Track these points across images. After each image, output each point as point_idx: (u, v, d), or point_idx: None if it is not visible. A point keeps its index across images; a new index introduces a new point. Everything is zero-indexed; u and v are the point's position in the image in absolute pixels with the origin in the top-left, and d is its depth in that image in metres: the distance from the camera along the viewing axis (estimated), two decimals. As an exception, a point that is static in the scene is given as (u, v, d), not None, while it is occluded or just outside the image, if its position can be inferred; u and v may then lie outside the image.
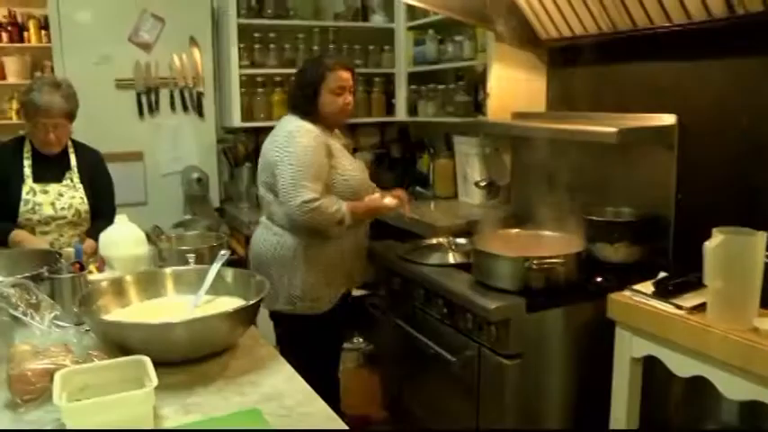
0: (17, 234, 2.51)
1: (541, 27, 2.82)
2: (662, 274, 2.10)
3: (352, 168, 2.50)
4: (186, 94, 3.78)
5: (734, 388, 1.75)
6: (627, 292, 2.08)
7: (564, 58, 2.95)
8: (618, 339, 2.09)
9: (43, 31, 5.35)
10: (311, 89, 2.43)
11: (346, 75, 2.44)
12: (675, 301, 1.94)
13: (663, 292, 1.99)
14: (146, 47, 3.69)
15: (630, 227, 2.41)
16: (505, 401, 2.13)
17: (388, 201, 2.56)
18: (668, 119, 2.35)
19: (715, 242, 1.77)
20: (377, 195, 2.57)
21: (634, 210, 2.48)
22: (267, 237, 2.53)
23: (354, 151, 2.82)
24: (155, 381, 1.25)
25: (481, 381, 2.22)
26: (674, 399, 2.21)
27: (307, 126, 2.41)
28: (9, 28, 5.40)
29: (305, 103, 2.44)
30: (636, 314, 2.01)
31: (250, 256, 2.66)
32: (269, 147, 2.47)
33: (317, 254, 2.46)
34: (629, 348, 2.06)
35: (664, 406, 2.23)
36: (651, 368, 2.07)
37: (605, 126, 2.27)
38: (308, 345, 2.47)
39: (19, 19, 5.43)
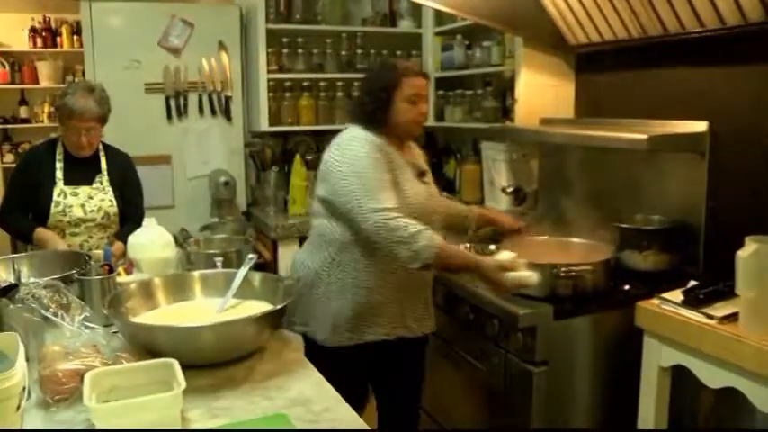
0: (41, 233, 2.56)
1: (570, 32, 2.80)
2: (692, 283, 2.07)
3: (409, 189, 2.11)
4: (214, 99, 3.81)
5: (767, 400, 1.72)
6: (655, 301, 2.05)
7: (592, 64, 2.93)
8: (646, 348, 2.07)
9: (75, 37, 5.48)
10: (384, 95, 2.12)
11: (422, 82, 2.17)
12: (706, 310, 1.91)
13: (693, 301, 1.96)
14: (175, 51, 3.73)
15: (660, 234, 2.37)
16: (532, 409, 2.11)
17: (519, 276, 1.91)
18: (699, 126, 2.32)
19: (748, 251, 1.74)
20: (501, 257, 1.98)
21: (664, 217, 2.45)
22: (305, 253, 2.25)
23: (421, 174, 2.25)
24: (183, 384, 1.26)
25: (507, 388, 2.21)
26: (704, 410, 2.18)
27: (369, 136, 2.09)
28: (43, 33, 5.53)
29: (374, 111, 2.12)
30: (664, 323, 1.98)
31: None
32: (327, 158, 2.13)
33: (347, 276, 2.10)
34: (657, 357, 2.03)
35: (693, 417, 2.20)
36: (680, 378, 2.04)
37: (635, 133, 2.24)
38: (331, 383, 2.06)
39: (53, 25, 5.55)
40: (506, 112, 3.26)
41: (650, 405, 2.07)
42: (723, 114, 2.28)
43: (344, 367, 2.02)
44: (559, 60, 3.02)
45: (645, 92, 2.63)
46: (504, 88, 3.31)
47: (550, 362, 2.10)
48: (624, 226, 2.42)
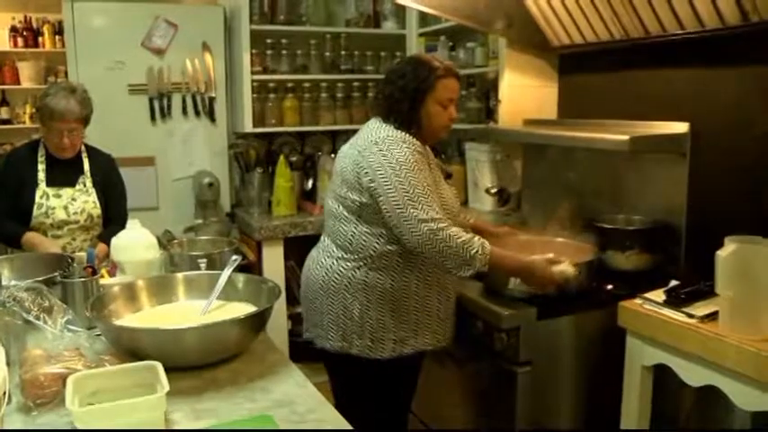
0: (31, 236, 2.53)
1: (553, 34, 2.82)
2: (673, 283, 2.10)
3: (444, 192, 2.05)
4: (198, 100, 3.79)
5: (746, 398, 1.74)
6: (638, 300, 2.07)
7: (575, 65, 2.95)
8: (629, 347, 2.09)
9: (57, 37, 5.43)
10: (418, 96, 2.00)
11: (456, 84, 2.06)
12: (687, 309, 1.93)
13: (674, 301, 1.98)
14: (159, 52, 3.71)
15: (642, 235, 2.40)
16: (516, 409, 2.12)
17: (564, 269, 1.98)
18: (681, 127, 2.34)
19: (727, 251, 1.76)
20: (547, 257, 1.98)
21: (645, 218, 2.48)
22: (321, 259, 2.10)
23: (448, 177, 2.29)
24: (166, 386, 1.26)
25: (492, 388, 2.22)
26: (685, 408, 2.20)
27: (406, 137, 1.98)
28: (24, 33, 5.48)
29: (407, 111, 2.00)
30: (647, 322, 2.00)
31: (301, 283, 2.23)
32: (361, 158, 1.97)
33: (385, 284, 2.00)
34: (639, 357, 2.05)
35: (674, 415, 2.22)
36: (662, 377, 2.06)
37: (617, 133, 2.27)
38: (367, 398, 2.07)
39: (34, 24, 5.50)
40: (490, 112, 3.28)
41: (633, 404, 2.09)
42: (704, 115, 2.31)
43: (387, 380, 2.05)
44: (543, 61, 3.04)
45: (627, 93, 2.65)
46: (487, 89, 3.33)
47: (534, 362, 2.11)
48: (607, 226, 2.44)
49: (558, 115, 3.06)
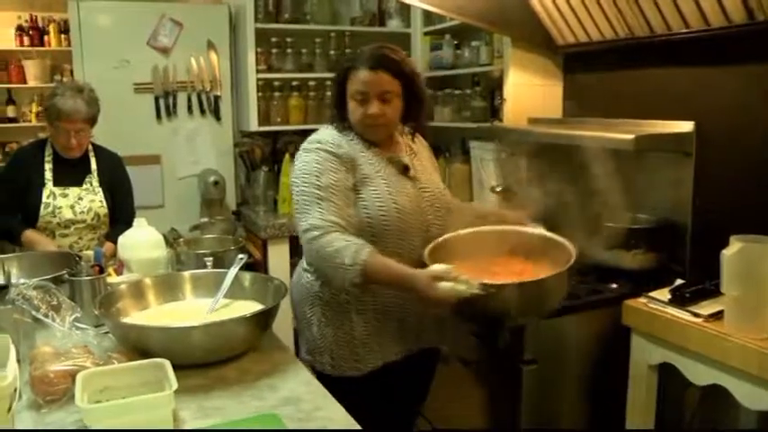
0: (29, 235, 2.55)
1: (558, 33, 2.82)
2: (678, 282, 2.10)
3: (378, 197, 1.81)
4: (204, 98, 3.81)
5: (751, 397, 1.75)
6: (643, 299, 2.08)
7: (580, 64, 2.95)
8: (634, 346, 2.10)
9: (63, 35, 5.44)
10: (338, 91, 1.87)
11: (369, 76, 1.79)
12: (692, 308, 1.94)
13: (679, 300, 1.99)
14: (164, 51, 3.72)
15: (647, 234, 2.40)
16: (520, 407, 2.13)
17: (454, 287, 1.57)
18: (686, 125, 2.34)
19: (732, 250, 1.76)
20: (437, 268, 1.63)
21: (651, 216, 2.48)
22: (298, 267, 2.00)
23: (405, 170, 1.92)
24: (175, 384, 1.27)
25: (496, 387, 2.22)
26: (691, 407, 2.21)
27: (328, 134, 1.87)
28: (30, 32, 5.49)
29: (334, 108, 1.91)
30: (652, 321, 2.01)
31: None
32: None
33: (340, 298, 1.84)
34: (644, 355, 2.06)
35: (680, 414, 2.22)
36: (667, 376, 2.06)
37: (622, 132, 2.27)
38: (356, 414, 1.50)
39: (40, 23, 5.52)
40: (495, 111, 3.28)
41: (638, 403, 2.10)
42: (709, 114, 2.31)
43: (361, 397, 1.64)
44: (547, 60, 3.04)
45: (632, 92, 2.65)
46: (492, 88, 3.32)
47: (539, 360, 2.12)
48: (612, 225, 2.44)
49: (563, 114, 3.06)
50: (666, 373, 2.05)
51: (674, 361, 1.97)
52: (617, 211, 2.53)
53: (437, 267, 1.62)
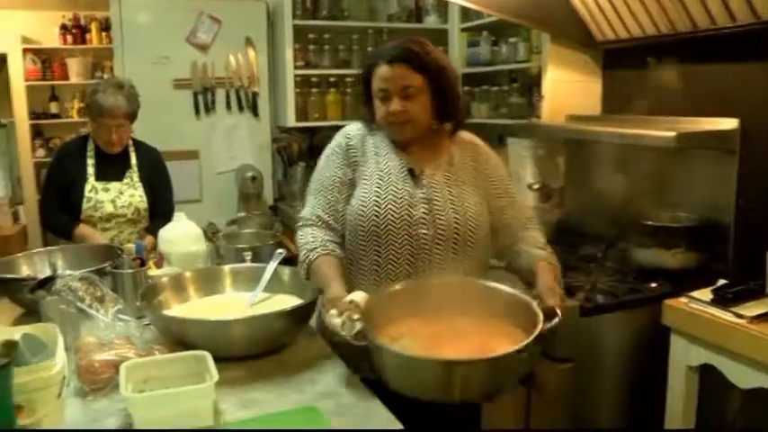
0: (82, 229, 2.60)
1: (597, 28, 2.78)
2: (721, 282, 2.05)
3: (362, 199, 1.69)
4: (242, 94, 3.85)
5: (797, 400, 1.71)
6: (683, 299, 2.04)
7: (620, 60, 2.91)
8: (673, 347, 2.06)
9: (104, 33, 5.55)
10: (364, 90, 1.78)
11: (389, 72, 1.66)
12: (735, 309, 1.90)
13: (722, 300, 1.95)
14: (203, 48, 3.77)
15: (688, 232, 2.36)
16: (557, 406, 2.11)
17: (332, 319, 1.44)
18: (730, 123, 2.29)
19: (778, 250, 1.72)
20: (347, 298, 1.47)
21: (692, 215, 2.43)
22: None
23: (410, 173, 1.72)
24: (216, 376, 1.29)
25: (532, 384, 2.21)
26: (733, 410, 2.16)
27: (350, 129, 1.84)
28: (73, 30, 5.60)
29: (364, 105, 1.81)
30: (693, 321, 1.97)
31: None
32: None
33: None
34: (684, 356, 2.02)
35: (721, 418, 2.18)
36: (708, 378, 2.03)
37: (663, 130, 2.23)
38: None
39: (82, 21, 5.63)
40: (533, 108, 3.25)
41: (678, 404, 2.07)
42: (755, 111, 2.25)
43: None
44: (586, 56, 3.00)
45: (673, 88, 2.60)
46: (530, 84, 3.30)
47: (576, 359, 2.10)
48: (651, 223, 2.41)
49: (602, 111, 3.02)
50: (707, 374, 2.01)
51: (715, 362, 1.93)
52: (657, 209, 2.50)
53: (353, 295, 1.47)
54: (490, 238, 1.76)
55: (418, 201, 1.68)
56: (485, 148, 1.83)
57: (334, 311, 1.44)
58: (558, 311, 1.42)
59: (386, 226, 1.66)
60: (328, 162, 1.78)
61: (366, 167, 1.74)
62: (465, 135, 1.82)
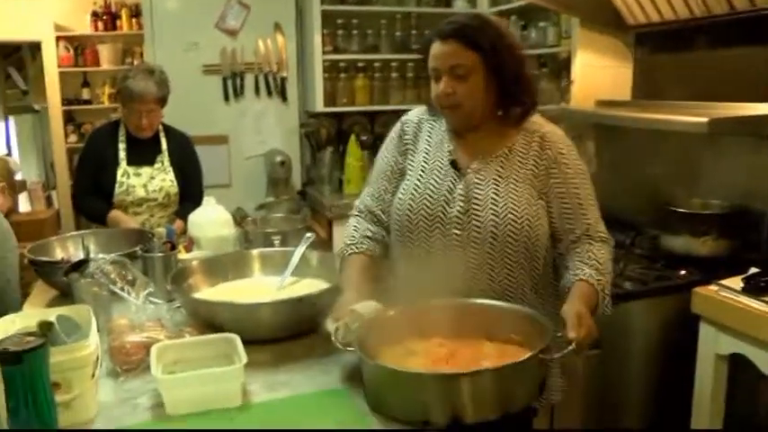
0: (115, 214, 2.65)
1: (628, 12, 2.74)
2: (753, 270, 2.03)
3: (402, 193, 1.63)
4: (270, 79, 3.86)
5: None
6: (713, 287, 2.02)
7: (652, 45, 2.86)
8: (702, 335, 2.04)
9: (134, 20, 5.61)
10: (427, 68, 1.59)
11: (442, 49, 1.52)
12: (767, 298, 1.87)
13: (753, 289, 1.93)
14: (232, 33, 3.78)
15: (719, 219, 2.32)
16: (583, 392, 2.11)
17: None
18: (765, 108, 2.25)
19: (812, 238, 1.70)
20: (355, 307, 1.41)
21: (724, 202, 2.39)
22: None
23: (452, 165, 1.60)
24: (244, 358, 1.31)
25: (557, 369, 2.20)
26: (764, 401, 2.14)
27: (412, 113, 1.75)
28: (104, 17, 5.67)
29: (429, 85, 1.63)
30: (722, 310, 1.95)
31: None
32: None
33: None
34: (714, 345, 2.00)
35: (752, 408, 2.15)
36: (738, 367, 2.00)
37: (695, 115, 2.19)
38: None
39: (113, 8, 5.70)
40: (562, 93, 3.22)
41: (705, 394, 2.05)
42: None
43: None
44: (617, 41, 2.96)
45: (707, 73, 2.56)
46: (559, 69, 3.26)
47: (603, 345, 2.09)
48: (682, 210, 2.38)
49: (633, 96, 2.98)
50: (737, 364, 1.99)
51: (745, 352, 1.91)
52: (688, 196, 2.47)
53: (359, 305, 1.41)
54: (549, 246, 1.58)
55: (456, 197, 1.55)
56: (557, 140, 1.59)
57: (331, 318, 1.43)
58: (573, 345, 1.28)
59: (417, 222, 1.58)
60: (384, 149, 1.74)
61: (414, 157, 1.65)
62: (536, 123, 1.61)
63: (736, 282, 1.98)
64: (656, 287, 2.16)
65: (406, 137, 1.69)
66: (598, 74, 3.00)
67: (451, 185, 1.57)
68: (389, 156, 1.70)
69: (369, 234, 1.66)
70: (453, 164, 1.58)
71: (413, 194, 1.60)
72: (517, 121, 1.58)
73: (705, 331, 2.03)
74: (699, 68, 2.60)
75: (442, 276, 1.47)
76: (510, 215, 1.51)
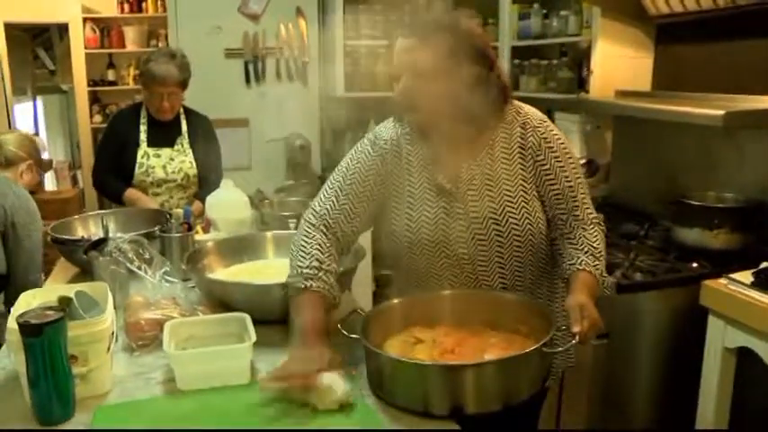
0: (132, 193, 2.71)
1: (650, 2, 2.72)
2: (764, 264, 2.02)
3: (403, 216, 1.55)
4: (291, 64, 3.90)
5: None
6: (723, 280, 2.02)
7: (674, 35, 2.84)
8: (710, 328, 2.05)
9: (160, 2, 5.66)
10: None
11: (400, 46, 1.47)
12: (776, 292, 1.87)
13: (763, 283, 1.93)
14: (254, 17, 3.82)
15: (733, 213, 2.32)
16: (590, 381, 2.13)
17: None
18: (783, 101, 2.23)
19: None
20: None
21: (738, 195, 2.39)
22: None
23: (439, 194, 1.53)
24: (254, 337, 1.35)
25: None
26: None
27: (383, 129, 1.61)
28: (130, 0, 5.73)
29: None
30: (731, 303, 1.96)
31: None
32: None
33: None
34: (721, 338, 2.01)
35: (759, 402, 2.16)
36: (746, 361, 2.01)
37: (713, 108, 2.18)
38: None
39: (139, -10, 5.76)
40: (582, 83, 3.21)
41: (712, 387, 2.05)
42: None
43: None
44: (638, 31, 2.94)
45: (729, 65, 2.53)
46: (580, 58, 3.25)
47: (611, 335, 2.10)
48: (695, 203, 2.37)
49: (653, 87, 2.96)
50: (745, 358, 1.99)
51: (753, 346, 1.91)
52: (702, 188, 2.46)
53: (331, 379, 1.27)
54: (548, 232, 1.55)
55: (455, 217, 1.50)
56: (537, 125, 1.55)
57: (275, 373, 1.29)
58: (577, 338, 1.29)
59: (421, 250, 1.53)
60: (359, 165, 1.56)
61: (399, 183, 1.55)
62: (514, 112, 1.55)
63: (746, 276, 1.98)
64: (666, 279, 2.17)
65: (387, 162, 1.56)
66: (618, 64, 2.99)
67: (447, 206, 1.51)
68: (369, 178, 1.55)
69: (329, 266, 1.48)
70: (441, 188, 1.52)
71: (408, 225, 1.53)
72: (493, 112, 1.52)
73: (713, 324, 2.04)
74: (720, 60, 2.57)
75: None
76: (511, 218, 1.49)
